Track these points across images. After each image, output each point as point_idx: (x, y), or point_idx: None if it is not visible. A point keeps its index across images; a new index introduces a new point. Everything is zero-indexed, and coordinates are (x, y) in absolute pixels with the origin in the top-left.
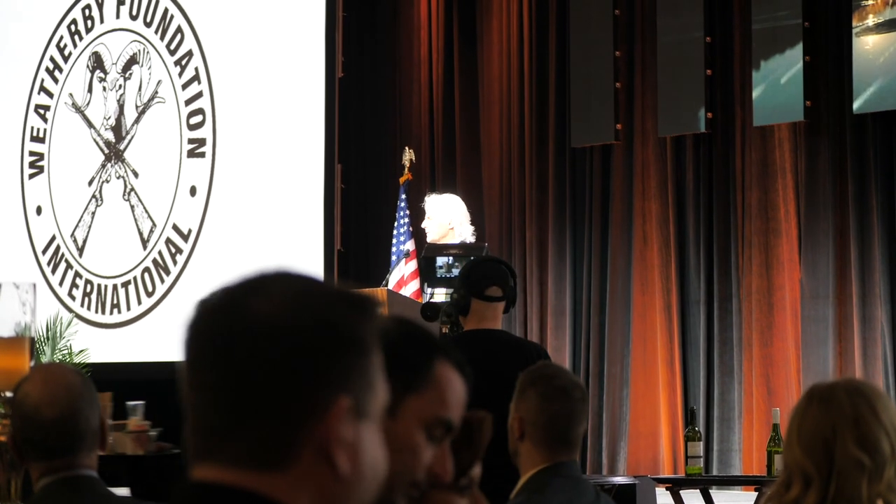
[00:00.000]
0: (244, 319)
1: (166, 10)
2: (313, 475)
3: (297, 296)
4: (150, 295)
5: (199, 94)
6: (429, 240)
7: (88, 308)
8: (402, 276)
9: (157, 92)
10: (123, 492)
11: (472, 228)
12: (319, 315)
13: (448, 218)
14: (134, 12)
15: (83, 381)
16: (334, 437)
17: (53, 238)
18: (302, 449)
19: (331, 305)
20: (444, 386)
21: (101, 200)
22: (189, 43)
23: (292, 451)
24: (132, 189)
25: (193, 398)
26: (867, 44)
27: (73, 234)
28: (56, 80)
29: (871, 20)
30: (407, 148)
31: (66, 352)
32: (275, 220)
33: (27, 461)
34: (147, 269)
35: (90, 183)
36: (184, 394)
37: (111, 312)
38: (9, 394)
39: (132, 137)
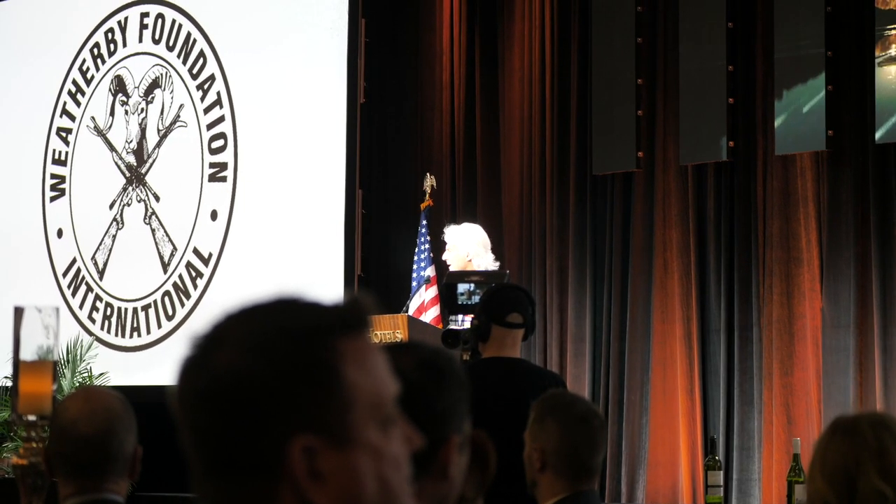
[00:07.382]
0: (205, 377)
1: (189, 35)
2: None
3: (247, 341)
4: (170, 318)
5: (221, 119)
6: (450, 270)
7: (108, 331)
8: (423, 302)
9: (178, 116)
10: None
11: (492, 257)
12: (266, 358)
13: (465, 250)
14: (157, 36)
15: (124, 407)
16: (301, 478)
17: (74, 261)
18: (281, 495)
19: (280, 342)
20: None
21: (122, 224)
22: (211, 67)
23: (273, 498)
24: (153, 212)
25: (185, 449)
26: (889, 73)
27: (93, 257)
28: (78, 104)
29: (893, 50)
30: (428, 174)
31: (86, 374)
32: (295, 245)
33: (57, 476)
34: (167, 293)
35: (111, 206)
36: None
37: (131, 336)
38: (31, 418)
39: (154, 161)
